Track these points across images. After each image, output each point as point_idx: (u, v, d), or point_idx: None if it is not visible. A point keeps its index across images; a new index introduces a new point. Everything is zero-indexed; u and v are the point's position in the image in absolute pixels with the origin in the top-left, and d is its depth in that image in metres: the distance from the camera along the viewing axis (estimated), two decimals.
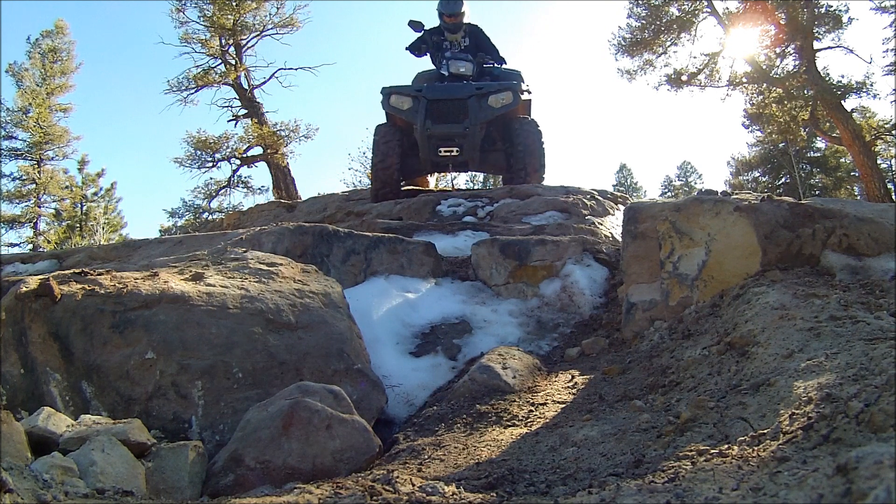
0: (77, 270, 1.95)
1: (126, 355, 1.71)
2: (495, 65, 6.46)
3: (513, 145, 6.00)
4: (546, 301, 2.90)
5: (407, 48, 6.62)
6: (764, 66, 15.36)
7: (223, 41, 15.80)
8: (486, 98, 5.76)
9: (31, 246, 18.93)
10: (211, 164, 15.94)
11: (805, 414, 0.99)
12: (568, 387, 1.98)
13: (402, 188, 6.46)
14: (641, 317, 2.27)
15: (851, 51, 14.54)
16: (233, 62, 15.85)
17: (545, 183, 5.80)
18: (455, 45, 6.35)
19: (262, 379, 1.82)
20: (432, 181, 8.62)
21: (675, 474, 0.95)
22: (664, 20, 15.73)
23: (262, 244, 2.96)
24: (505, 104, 5.79)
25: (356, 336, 2.15)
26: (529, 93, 6.18)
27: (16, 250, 18.47)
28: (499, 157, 6.33)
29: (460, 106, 5.70)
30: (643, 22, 15.96)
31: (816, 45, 14.26)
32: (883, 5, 14.19)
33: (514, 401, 1.89)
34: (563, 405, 1.79)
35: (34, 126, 19.13)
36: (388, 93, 5.98)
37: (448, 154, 5.80)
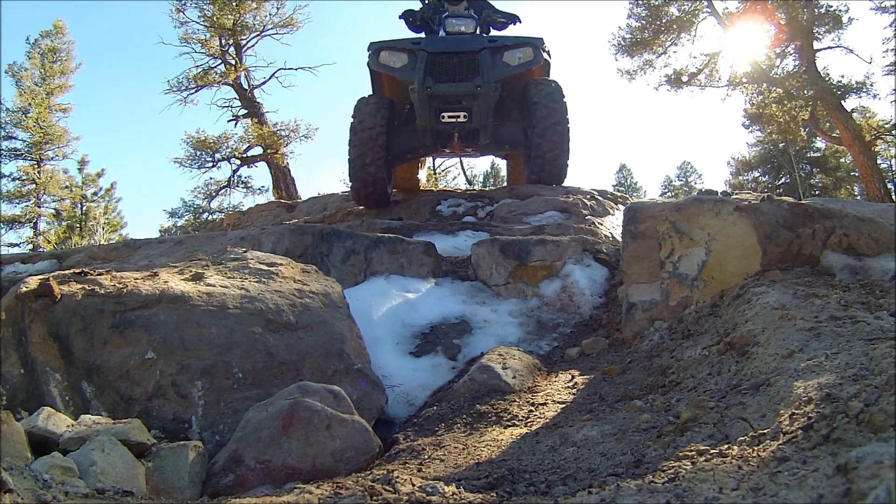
0: (77, 270, 1.95)
1: (126, 355, 1.71)
2: (508, 23, 5.56)
3: (530, 115, 4.85)
4: (546, 301, 2.90)
5: (401, 16, 5.70)
6: (764, 66, 15.37)
7: (223, 41, 15.81)
8: (501, 53, 4.72)
9: (31, 246, 18.94)
10: (211, 165, 15.95)
11: (805, 414, 0.99)
12: (568, 387, 1.98)
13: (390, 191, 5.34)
14: (641, 317, 2.27)
15: (851, 51, 14.58)
16: (233, 62, 15.86)
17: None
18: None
19: (262, 379, 1.82)
20: (424, 180, 7.41)
21: (675, 474, 0.95)
22: (664, 20, 15.74)
23: (262, 244, 2.96)
24: (524, 61, 4.75)
25: (356, 336, 2.15)
26: (549, 54, 5.07)
27: (16, 250, 18.49)
28: (515, 131, 5.12)
29: (469, 61, 4.64)
30: (643, 22, 15.98)
31: (816, 45, 14.28)
32: (883, 5, 14.21)
33: (514, 401, 1.88)
34: (563, 405, 1.79)
35: (34, 126, 19.15)
36: (377, 48, 4.85)
37: (454, 120, 4.71)
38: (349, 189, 5.31)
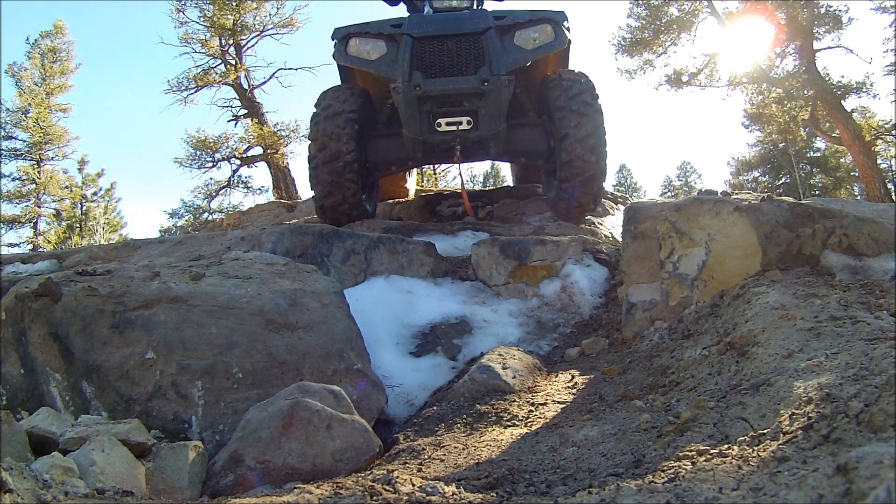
0: (77, 270, 1.95)
1: (126, 355, 1.71)
2: None
3: (554, 123, 3.70)
4: (546, 301, 2.90)
5: None
6: (764, 66, 15.38)
7: (223, 41, 15.83)
8: (512, 33, 3.55)
9: (31, 246, 18.96)
10: (211, 165, 15.98)
11: (805, 414, 0.99)
12: (568, 387, 1.98)
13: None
14: (641, 317, 2.27)
15: (851, 51, 14.61)
16: (233, 62, 15.87)
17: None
18: None
19: (262, 379, 1.82)
20: (413, 193, 6.03)
21: (675, 474, 0.95)
22: (664, 20, 15.76)
23: (262, 244, 2.95)
24: (542, 44, 3.59)
25: (356, 336, 2.15)
26: (569, 31, 3.82)
27: (16, 250, 18.51)
28: (535, 138, 3.97)
29: (471, 46, 3.48)
30: (643, 22, 16.01)
31: (816, 45, 14.31)
32: (883, 5, 14.24)
33: (514, 401, 1.88)
34: (563, 405, 1.79)
35: (34, 126, 19.19)
36: (344, 35, 3.69)
37: (454, 128, 3.54)
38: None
